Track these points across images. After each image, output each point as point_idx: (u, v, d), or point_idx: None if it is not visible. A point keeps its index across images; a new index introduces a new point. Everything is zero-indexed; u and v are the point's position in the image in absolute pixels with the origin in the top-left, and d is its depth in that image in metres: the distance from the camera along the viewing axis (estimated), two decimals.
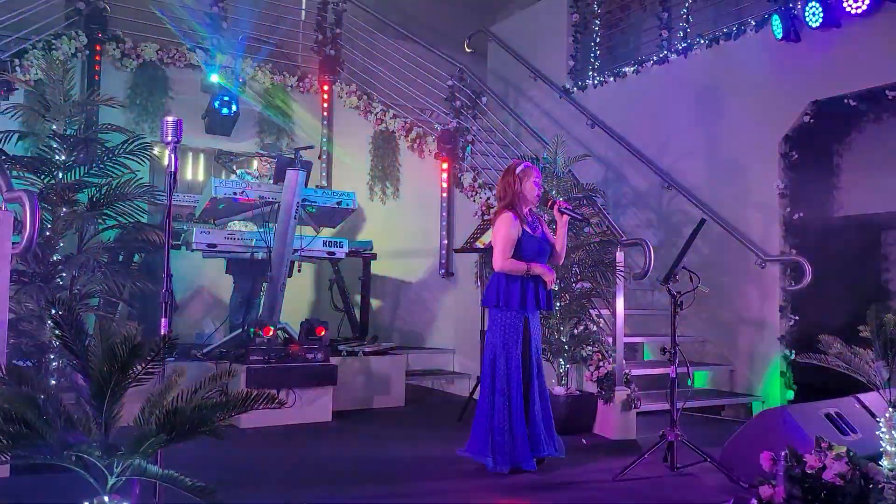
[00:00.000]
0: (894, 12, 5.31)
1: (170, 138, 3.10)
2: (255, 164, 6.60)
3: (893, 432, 3.48)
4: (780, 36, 5.86)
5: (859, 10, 5.38)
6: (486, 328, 5.67)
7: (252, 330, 5.41)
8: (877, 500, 3.01)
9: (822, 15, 5.59)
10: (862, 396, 4.23)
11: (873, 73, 5.43)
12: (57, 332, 2.18)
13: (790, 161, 6.05)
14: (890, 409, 3.52)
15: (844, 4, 5.43)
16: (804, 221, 6.01)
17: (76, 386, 2.16)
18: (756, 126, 6.22)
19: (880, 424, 3.55)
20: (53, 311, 2.22)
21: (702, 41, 6.79)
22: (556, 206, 4.29)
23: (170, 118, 3.11)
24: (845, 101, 5.65)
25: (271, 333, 5.38)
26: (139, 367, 2.02)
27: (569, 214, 4.30)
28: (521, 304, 4.13)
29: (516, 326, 4.16)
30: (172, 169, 3.20)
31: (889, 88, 5.35)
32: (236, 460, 4.20)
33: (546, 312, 5.20)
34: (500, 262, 4.14)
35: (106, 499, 1.94)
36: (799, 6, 5.76)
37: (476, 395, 5.68)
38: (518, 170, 4.27)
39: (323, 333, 5.53)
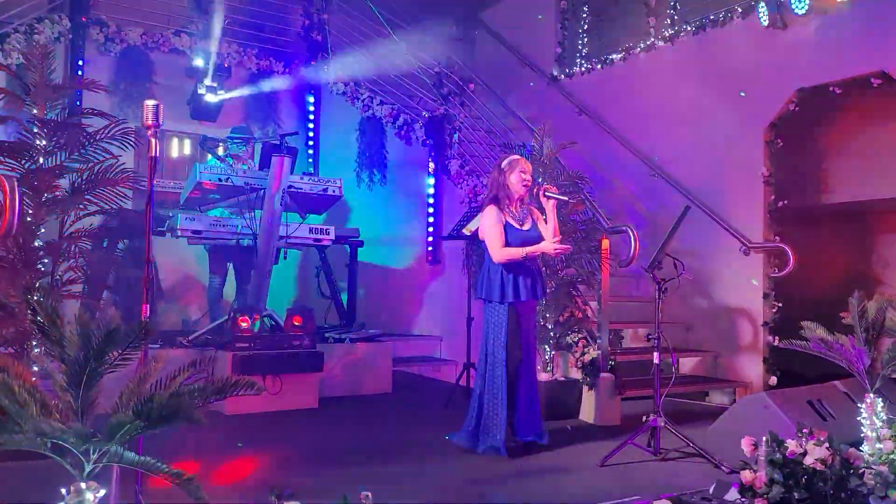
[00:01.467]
0: (880, 1, 5.32)
1: (150, 122, 3.06)
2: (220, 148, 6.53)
3: (874, 418, 3.51)
4: (766, 23, 5.85)
5: None
6: (472, 316, 5.71)
7: (237, 317, 5.38)
8: (857, 485, 3.04)
9: (808, 2, 5.59)
10: (843, 382, 4.28)
11: (858, 60, 5.44)
12: (34, 318, 2.16)
13: (775, 148, 6.07)
14: (870, 395, 3.56)
15: None
16: (788, 209, 6.04)
17: (51, 372, 2.14)
18: (742, 113, 6.23)
19: (861, 410, 3.58)
20: (31, 297, 2.20)
21: (689, 28, 6.78)
22: (541, 192, 4.30)
23: (150, 102, 3.07)
24: (831, 88, 5.66)
25: (251, 322, 5.33)
26: (115, 353, 2.00)
27: (554, 198, 4.30)
28: (501, 295, 4.18)
29: (500, 317, 4.21)
30: (154, 153, 3.17)
31: (874, 76, 5.36)
32: (219, 447, 4.19)
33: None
34: (497, 253, 4.18)
35: (83, 485, 1.93)
36: None
37: (462, 382, 5.72)
38: (503, 163, 4.31)
39: (300, 323, 5.47)
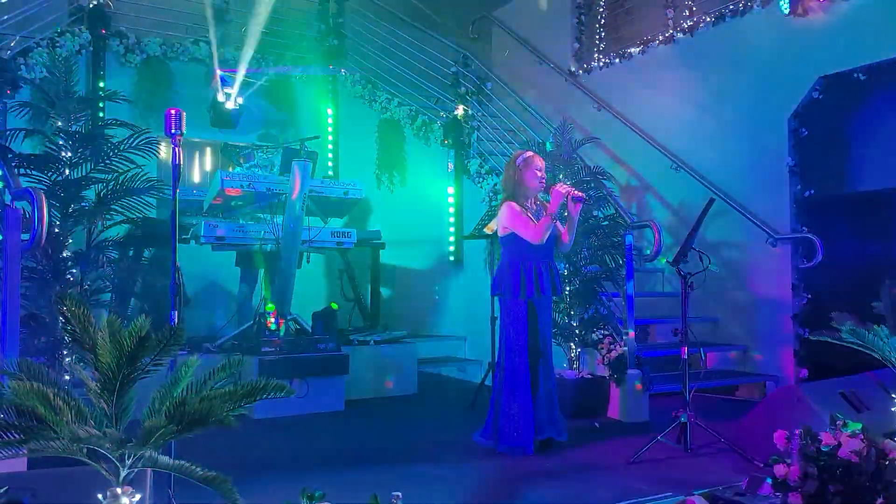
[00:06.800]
0: None
1: (173, 130, 3.10)
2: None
3: None
4: (786, 10, 5.78)
5: None
6: (496, 315, 5.68)
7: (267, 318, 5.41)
8: (893, 477, 2.98)
9: None
10: (877, 373, 4.20)
11: (882, 46, 5.35)
12: (67, 327, 2.18)
13: (800, 137, 5.98)
14: None
15: None
16: (815, 198, 5.95)
17: (84, 379, 2.17)
18: (764, 103, 6.15)
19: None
20: (63, 307, 2.22)
21: (708, 18, 6.71)
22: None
23: (172, 110, 3.10)
24: (854, 75, 5.57)
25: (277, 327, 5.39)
26: (147, 359, 2.02)
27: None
28: (519, 291, 4.16)
29: (518, 313, 4.20)
30: (177, 161, 3.20)
31: None
32: (250, 450, 4.23)
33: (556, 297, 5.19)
34: (532, 234, 4.13)
35: (119, 490, 1.95)
36: None
37: (487, 382, 5.71)
38: (518, 160, 4.28)
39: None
